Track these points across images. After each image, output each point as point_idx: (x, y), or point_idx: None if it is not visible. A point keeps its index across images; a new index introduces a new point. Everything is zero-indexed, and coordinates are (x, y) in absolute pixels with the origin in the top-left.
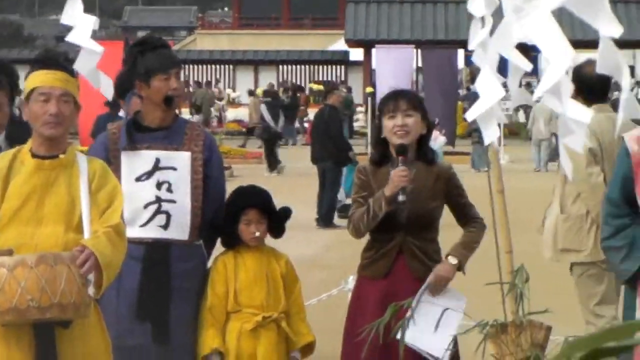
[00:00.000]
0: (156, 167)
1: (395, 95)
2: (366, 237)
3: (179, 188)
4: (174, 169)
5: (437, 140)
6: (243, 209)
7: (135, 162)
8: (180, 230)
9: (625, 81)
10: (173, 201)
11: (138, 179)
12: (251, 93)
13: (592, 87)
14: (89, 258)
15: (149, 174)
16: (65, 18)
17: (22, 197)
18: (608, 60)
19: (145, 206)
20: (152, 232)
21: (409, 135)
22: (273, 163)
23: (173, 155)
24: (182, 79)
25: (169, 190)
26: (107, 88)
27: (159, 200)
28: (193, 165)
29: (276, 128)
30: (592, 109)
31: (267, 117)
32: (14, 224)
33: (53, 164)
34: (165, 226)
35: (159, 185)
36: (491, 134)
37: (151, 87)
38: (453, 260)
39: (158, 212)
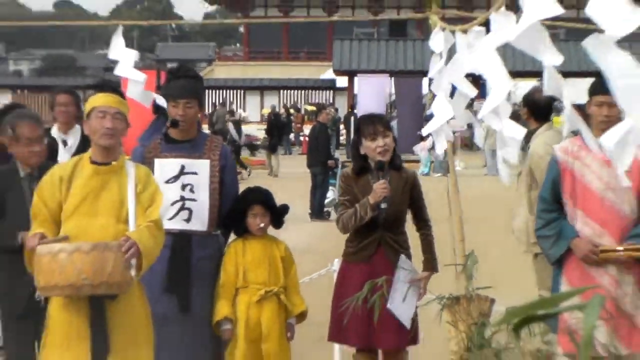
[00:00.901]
0: (181, 172)
1: (372, 120)
2: None
3: (200, 189)
4: (196, 173)
5: (425, 151)
6: (250, 205)
7: (165, 168)
8: (200, 223)
9: (567, 100)
10: (194, 200)
11: (167, 182)
12: (232, 113)
13: (541, 109)
14: (132, 247)
15: (175, 178)
16: (111, 53)
17: (81, 196)
18: (553, 84)
19: (172, 204)
20: (178, 224)
21: (388, 153)
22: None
23: (195, 162)
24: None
25: (192, 191)
26: (160, 101)
27: (183, 199)
28: (211, 170)
29: (240, 142)
30: (543, 127)
31: (233, 132)
32: (75, 216)
33: (107, 169)
34: (188, 220)
35: (183, 187)
36: (442, 145)
37: (168, 109)
38: (433, 272)
39: (182, 208)
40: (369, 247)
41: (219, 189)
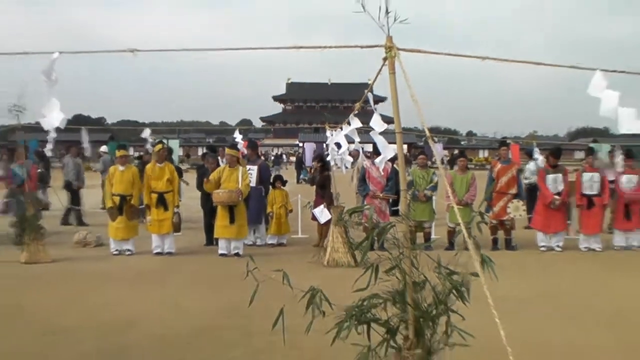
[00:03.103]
0: (250, 169)
1: (314, 156)
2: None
3: (254, 174)
4: (253, 169)
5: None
6: (277, 180)
7: (249, 168)
8: (255, 184)
9: (388, 153)
10: (252, 177)
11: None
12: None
13: (376, 151)
14: (240, 191)
15: (250, 170)
16: (235, 136)
17: (225, 177)
18: (382, 144)
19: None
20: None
21: (317, 164)
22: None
23: (253, 167)
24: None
25: (251, 175)
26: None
27: (250, 177)
28: (259, 170)
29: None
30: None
31: (269, 157)
32: (223, 183)
33: (232, 169)
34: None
35: (250, 174)
36: (332, 163)
37: (246, 153)
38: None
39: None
40: (314, 193)
41: (260, 175)
